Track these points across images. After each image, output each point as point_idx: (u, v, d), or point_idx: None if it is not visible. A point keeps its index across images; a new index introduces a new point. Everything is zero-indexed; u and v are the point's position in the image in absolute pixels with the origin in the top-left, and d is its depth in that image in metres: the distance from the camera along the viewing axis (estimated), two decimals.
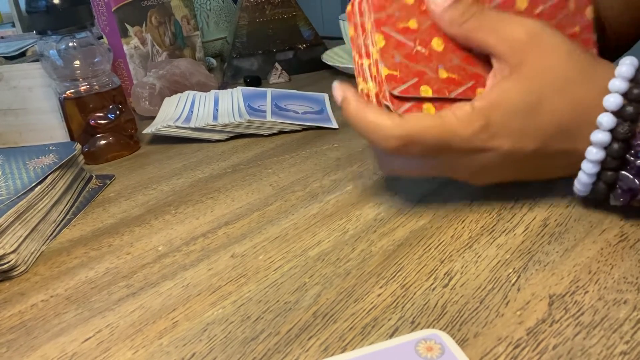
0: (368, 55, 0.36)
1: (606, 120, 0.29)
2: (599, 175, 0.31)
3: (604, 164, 0.31)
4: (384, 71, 0.34)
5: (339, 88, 0.35)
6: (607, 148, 0.30)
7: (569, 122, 0.31)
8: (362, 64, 0.37)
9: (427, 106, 0.34)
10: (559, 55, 0.31)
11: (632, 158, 0.30)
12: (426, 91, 0.34)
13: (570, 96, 0.30)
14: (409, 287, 0.30)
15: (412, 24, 0.34)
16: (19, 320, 0.31)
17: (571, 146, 0.31)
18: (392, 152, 0.33)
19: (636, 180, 0.30)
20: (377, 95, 0.35)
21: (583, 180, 0.32)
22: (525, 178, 0.35)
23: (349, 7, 0.37)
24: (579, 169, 0.32)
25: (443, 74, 0.34)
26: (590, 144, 0.30)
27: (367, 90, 0.37)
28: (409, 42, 0.34)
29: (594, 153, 0.30)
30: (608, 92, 0.30)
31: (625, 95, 0.29)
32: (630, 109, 0.29)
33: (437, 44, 0.34)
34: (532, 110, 0.31)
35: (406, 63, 0.34)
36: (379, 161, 0.38)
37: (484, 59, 0.34)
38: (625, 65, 0.30)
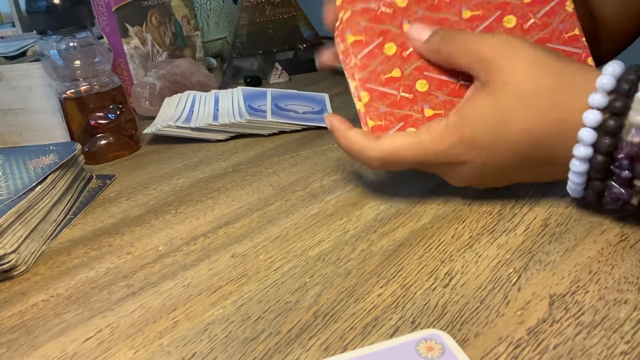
0: (353, 78, 0.36)
1: (586, 135, 0.29)
2: (587, 184, 0.31)
3: (589, 175, 0.30)
4: (370, 123, 0.36)
5: (326, 118, 0.38)
6: (591, 160, 0.29)
7: (539, 132, 0.30)
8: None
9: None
10: (526, 68, 0.30)
11: (617, 170, 0.29)
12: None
13: (536, 107, 0.30)
14: (409, 287, 0.30)
15: (396, 72, 0.35)
16: (20, 320, 0.31)
17: (549, 155, 0.31)
18: (378, 169, 0.37)
19: (623, 190, 0.30)
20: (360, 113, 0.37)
21: (572, 188, 0.32)
22: (519, 182, 0.36)
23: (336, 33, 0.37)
24: (568, 174, 0.31)
25: (429, 112, 0.35)
26: (571, 154, 0.30)
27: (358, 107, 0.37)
28: (392, 92, 0.35)
29: (577, 165, 0.30)
30: (586, 105, 0.29)
31: (605, 109, 0.28)
32: (611, 122, 0.28)
33: (422, 85, 0.35)
34: (499, 123, 0.31)
35: (391, 111, 0.35)
36: None
37: (469, 86, 0.34)
38: (606, 77, 0.28)
